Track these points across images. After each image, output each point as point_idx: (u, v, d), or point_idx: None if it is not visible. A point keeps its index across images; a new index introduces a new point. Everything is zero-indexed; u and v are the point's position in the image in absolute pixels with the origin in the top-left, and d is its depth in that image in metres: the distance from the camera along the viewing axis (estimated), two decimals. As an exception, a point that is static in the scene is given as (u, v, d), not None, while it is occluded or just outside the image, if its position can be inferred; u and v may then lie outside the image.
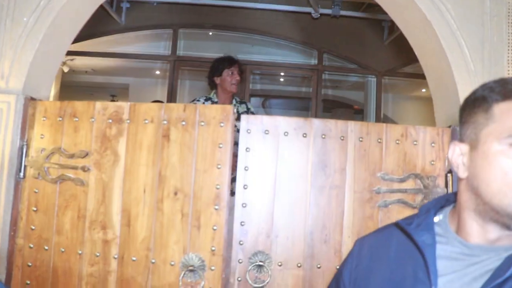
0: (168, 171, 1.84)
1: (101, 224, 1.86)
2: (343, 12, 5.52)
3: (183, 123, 1.86)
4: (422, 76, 2.22)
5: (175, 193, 1.83)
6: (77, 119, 1.93)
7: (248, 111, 3.47)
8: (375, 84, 6.17)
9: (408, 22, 2.13)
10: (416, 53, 2.20)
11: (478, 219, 0.98)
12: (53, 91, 6.04)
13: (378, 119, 6.02)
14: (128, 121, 1.89)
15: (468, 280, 0.94)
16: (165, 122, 1.87)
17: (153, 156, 1.85)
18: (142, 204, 1.84)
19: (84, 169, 1.89)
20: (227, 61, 3.46)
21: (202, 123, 1.85)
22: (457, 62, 1.92)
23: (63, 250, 1.88)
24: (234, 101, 3.46)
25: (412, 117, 4.75)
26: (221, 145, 1.83)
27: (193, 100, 3.38)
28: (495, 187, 0.92)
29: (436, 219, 1.08)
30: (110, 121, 1.90)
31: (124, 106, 1.90)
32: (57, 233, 1.90)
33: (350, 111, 7.97)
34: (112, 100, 8.91)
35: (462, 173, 1.00)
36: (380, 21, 5.78)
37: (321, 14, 5.55)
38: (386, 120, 6.37)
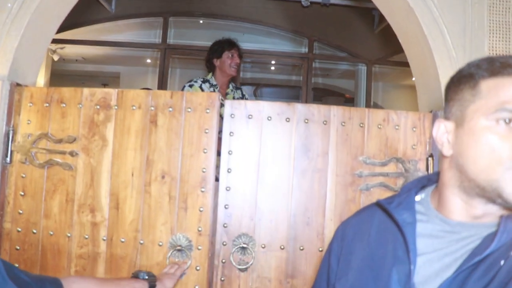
0: (155, 155, 1.88)
1: (90, 207, 1.90)
2: (333, 1, 5.39)
3: (170, 109, 1.90)
4: (411, 64, 2.25)
5: (163, 177, 1.87)
6: (64, 105, 1.95)
7: (243, 97, 3.48)
8: (365, 72, 6.19)
9: (392, 9, 2.16)
10: (400, 40, 2.23)
11: (463, 195, 0.98)
12: (43, 80, 5.99)
13: (368, 107, 5.89)
14: (116, 107, 1.92)
15: (449, 261, 0.94)
16: (152, 108, 1.90)
17: (140, 141, 1.89)
18: (130, 187, 1.88)
19: (72, 154, 1.92)
20: (228, 44, 3.44)
21: (189, 110, 1.89)
22: (439, 48, 1.96)
23: (51, 233, 1.91)
24: (230, 86, 3.45)
25: (402, 106, 4.80)
26: (207, 131, 1.88)
27: (189, 81, 3.31)
28: (482, 164, 0.91)
29: (417, 198, 1.09)
30: (98, 107, 1.93)
31: (112, 92, 1.93)
32: (45, 217, 1.93)
33: (340, 99, 7.99)
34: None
35: (446, 151, 1.00)
36: (370, 10, 5.70)
37: (311, 3, 5.50)
38: (376, 108, 6.41)
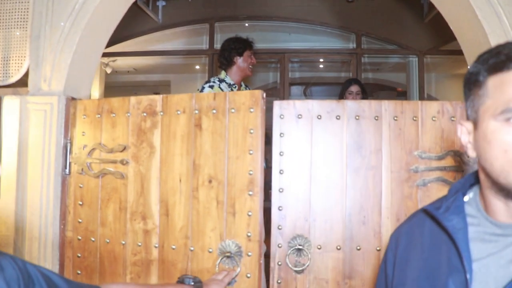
0: (201, 159, 1.87)
1: (141, 214, 1.92)
2: None
3: (214, 111, 1.88)
4: (465, 52, 2.14)
5: (210, 181, 1.85)
6: (114, 115, 2.00)
7: None
8: (416, 64, 5.99)
9: (442, -5, 2.06)
10: (452, 28, 2.12)
11: (499, 196, 0.91)
12: (97, 92, 6.25)
13: (421, 99, 5.79)
14: (162, 113, 1.93)
15: (504, 263, 0.89)
16: (196, 111, 1.89)
17: (186, 146, 1.89)
18: (178, 193, 1.88)
19: (123, 162, 1.96)
20: (248, 43, 3.39)
21: (232, 110, 1.86)
22: (495, 32, 1.85)
23: (108, 241, 1.96)
24: (242, 85, 3.41)
25: (457, 96, 4.56)
26: (252, 131, 1.83)
27: (207, 82, 3.24)
28: (498, 166, 0.86)
29: (466, 198, 1.03)
30: (145, 114, 1.95)
31: (157, 99, 1.95)
32: (101, 225, 1.98)
33: (392, 93, 7.75)
34: (155, 97, 9.09)
35: (471, 152, 0.95)
36: None
37: (357, -4, 5.45)
38: (431, 100, 6.16)
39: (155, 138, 1.93)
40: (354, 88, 3.79)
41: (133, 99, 1.98)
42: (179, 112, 1.91)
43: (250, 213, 1.82)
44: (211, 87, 3.18)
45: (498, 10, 1.85)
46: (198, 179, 1.87)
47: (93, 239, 1.99)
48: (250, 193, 1.82)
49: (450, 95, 6.60)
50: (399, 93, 7.59)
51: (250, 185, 1.82)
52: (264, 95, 1.86)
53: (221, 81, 3.24)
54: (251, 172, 1.82)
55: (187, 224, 1.87)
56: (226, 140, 1.85)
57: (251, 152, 1.83)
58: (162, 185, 1.91)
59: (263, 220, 1.84)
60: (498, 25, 1.85)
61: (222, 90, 3.13)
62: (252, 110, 1.84)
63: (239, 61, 3.32)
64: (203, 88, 3.20)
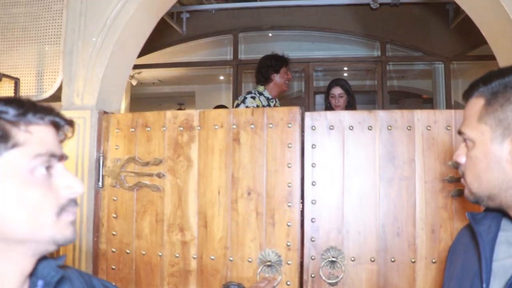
0: (240, 172, 1.91)
1: (179, 226, 1.95)
2: (403, 0, 5.38)
3: (252, 126, 1.92)
4: (493, 57, 2.13)
5: (249, 193, 1.89)
6: (149, 129, 2.03)
7: None
8: (443, 70, 5.86)
9: (473, 2, 2.06)
10: (484, 35, 2.12)
11: None
12: (124, 104, 6.32)
13: (448, 107, 5.65)
14: (199, 127, 1.97)
15: None
16: (234, 126, 1.93)
17: (225, 159, 1.93)
18: (217, 205, 1.92)
19: (159, 175, 1.98)
20: (285, 60, 3.52)
21: (271, 125, 1.91)
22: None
23: (144, 253, 1.98)
24: (277, 100, 3.53)
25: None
26: (290, 145, 1.88)
27: (249, 93, 3.38)
28: None
29: None
30: (181, 128, 1.99)
31: (194, 114, 1.98)
32: (137, 237, 2.00)
33: (418, 100, 7.65)
34: (180, 108, 9.18)
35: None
36: (443, 4, 5.50)
37: (380, 4, 5.39)
38: (458, 107, 6.08)
39: (192, 152, 1.96)
40: (336, 91, 3.55)
41: (169, 113, 2.01)
42: (216, 127, 1.95)
43: (289, 224, 1.86)
44: (253, 98, 3.32)
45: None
46: (237, 192, 1.90)
47: (128, 251, 2.01)
48: (289, 204, 1.87)
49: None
50: (425, 100, 7.52)
51: (289, 196, 1.87)
52: (301, 111, 1.92)
53: (260, 94, 3.39)
54: (290, 185, 1.87)
55: (226, 235, 1.90)
56: (265, 154, 1.90)
57: (289, 165, 1.88)
58: (200, 197, 1.94)
59: (301, 230, 1.87)
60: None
61: (261, 102, 3.28)
62: (290, 125, 1.89)
63: (276, 77, 3.46)
64: (245, 98, 3.34)
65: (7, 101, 0.77)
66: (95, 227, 2.07)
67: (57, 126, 0.82)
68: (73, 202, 0.82)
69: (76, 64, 2.16)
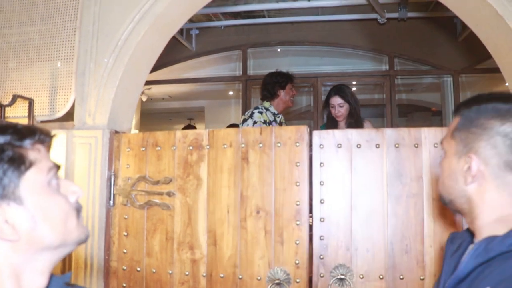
0: (249, 191, 1.93)
1: (189, 244, 1.97)
2: (410, 14, 5.36)
3: (260, 145, 1.94)
4: (500, 71, 2.15)
5: (257, 212, 1.91)
6: (159, 148, 2.06)
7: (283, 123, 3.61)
8: (451, 83, 5.86)
9: (478, 20, 2.08)
10: (490, 51, 2.13)
11: None
12: (134, 120, 6.38)
13: None
14: (208, 146, 2.00)
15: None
16: (243, 145, 1.96)
17: (234, 178, 1.95)
18: (226, 223, 1.94)
19: (169, 194, 2.01)
20: (290, 77, 3.57)
21: (279, 144, 1.93)
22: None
23: (154, 271, 2.01)
24: (281, 115, 3.56)
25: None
26: (298, 164, 1.90)
27: (256, 108, 3.43)
28: None
29: None
30: (191, 148, 2.02)
31: (203, 133, 2.02)
32: (147, 255, 2.03)
33: (427, 113, 7.63)
34: (189, 124, 9.23)
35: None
36: (451, 18, 5.42)
37: (387, 19, 5.39)
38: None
39: (202, 170, 1.99)
40: (334, 101, 3.32)
41: (178, 133, 2.05)
42: (225, 146, 1.98)
43: (297, 242, 1.87)
44: (260, 113, 3.37)
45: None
46: (246, 210, 1.93)
47: (138, 269, 2.03)
48: (298, 222, 1.88)
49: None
50: (434, 113, 7.50)
51: (297, 215, 1.88)
52: (309, 130, 1.94)
53: (266, 109, 3.44)
54: (298, 203, 1.89)
55: (235, 253, 1.92)
56: (273, 173, 1.92)
57: (298, 183, 1.89)
58: (210, 216, 1.96)
59: (310, 248, 1.88)
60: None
61: (268, 117, 3.35)
62: (298, 144, 1.91)
63: (282, 93, 3.52)
64: (252, 113, 3.39)
65: (17, 130, 0.84)
66: (106, 245, 2.09)
67: (44, 141, 0.89)
68: (79, 204, 0.92)
69: (88, 85, 2.21)
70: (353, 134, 1.92)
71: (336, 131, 1.95)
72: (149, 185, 2.06)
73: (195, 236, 1.96)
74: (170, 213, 2.01)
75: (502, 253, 0.92)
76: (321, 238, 1.87)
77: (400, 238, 1.83)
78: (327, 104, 3.41)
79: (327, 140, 1.92)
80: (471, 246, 1.06)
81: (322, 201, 1.90)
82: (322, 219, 1.88)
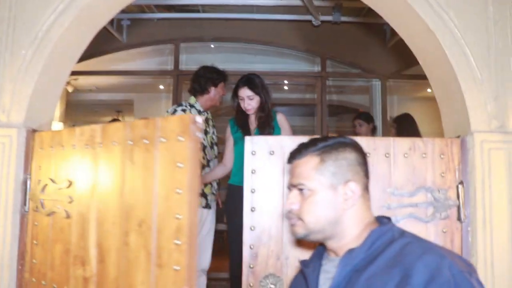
0: (133, 199, 1.58)
1: (81, 259, 1.72)
2: (343, 18, 5.50)
3: (145, 141, 1.57)
4: (426, 77, 2.15)
5: (139, 225, 1.55)
6: (63, 147, 1.86)
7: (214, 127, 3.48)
8: (379, 87, 6.16)
9: (411, 32, 2.06)
10: (420, 63, 2.15)
11: None
12: (58, 112, 6.06)
13: (384, 121, 5.99)
14: (101, 145, 1.73)
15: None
16: (130, 142, 1.62)
17: (121, 183, 1.63)
18: (112, 237, 1.63)
19: (69, 200, 1.79)
20: (225, 76, 3.45)
21: (162, 140, 1.53)
22: (463, 70, 1.86)
23: (55, 286, 1.80)
24: (208, 112, 3.44)
25: (418, 118, 4.61)
26: (180, 165, 1.45)
27: (179, 105, 3.29)
28: None
29: None
30: (87, 146, 1.78)
31: (97, 129, 1.75)
32: (50, 268, 1.83)
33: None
34: (117, 116, 8.94)
35: None
36: (381, 25, 5.73)
37: (322, 21, 5.51)
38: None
39: (94, 173, 1.73)
40: (243, 93, 3.06)
41: (78, 129, 1.80)
42: (114, 143, 1.67)
43: (176, 268, 1.41)
44: (184, 110, 3.20)
45: (465, 50, 1.86)
46: (130, 222, 1.58)
47: (44, 282, 1.83)
48: (177, 242, 1.42)
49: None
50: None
51: (177, 232, 1.43)
52: (198, 119, 1.46)
53: (191, 106, 3.26)
54: (178, 216, 1.43)
55: (119, 275, 1.59)
56: (155, 176, 1.53)
57: (178, 191, 1.44)
58: (99, 227, 1.68)
59: (195, 276, 1.45)
60: (465, 64, 1.84)
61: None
62: (181, 139, 1.46)
63: (213, 91, 3.36)
64: (175, 110, 3.22)
65: None
66: (20, 254, 1.90)
67: None
68: None
69: (2, 78, 1.98)
70: (287, 141, 1.84)
71: (269, 138, 1.87)
72: (54, 189, 1.85)
73: (86, 250, 1.70)
74: (69, 221, 1.78)
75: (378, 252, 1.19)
76: (251, 247, 1.77)
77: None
78: (235, 95, 3.13)
79: (258, 146, 1.82)
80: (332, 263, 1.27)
81: (253, 209, 1.79)
82: (252, 228, 1.78)
